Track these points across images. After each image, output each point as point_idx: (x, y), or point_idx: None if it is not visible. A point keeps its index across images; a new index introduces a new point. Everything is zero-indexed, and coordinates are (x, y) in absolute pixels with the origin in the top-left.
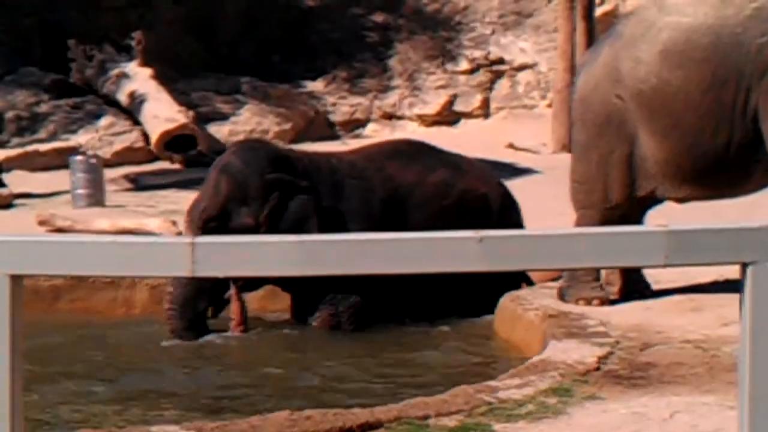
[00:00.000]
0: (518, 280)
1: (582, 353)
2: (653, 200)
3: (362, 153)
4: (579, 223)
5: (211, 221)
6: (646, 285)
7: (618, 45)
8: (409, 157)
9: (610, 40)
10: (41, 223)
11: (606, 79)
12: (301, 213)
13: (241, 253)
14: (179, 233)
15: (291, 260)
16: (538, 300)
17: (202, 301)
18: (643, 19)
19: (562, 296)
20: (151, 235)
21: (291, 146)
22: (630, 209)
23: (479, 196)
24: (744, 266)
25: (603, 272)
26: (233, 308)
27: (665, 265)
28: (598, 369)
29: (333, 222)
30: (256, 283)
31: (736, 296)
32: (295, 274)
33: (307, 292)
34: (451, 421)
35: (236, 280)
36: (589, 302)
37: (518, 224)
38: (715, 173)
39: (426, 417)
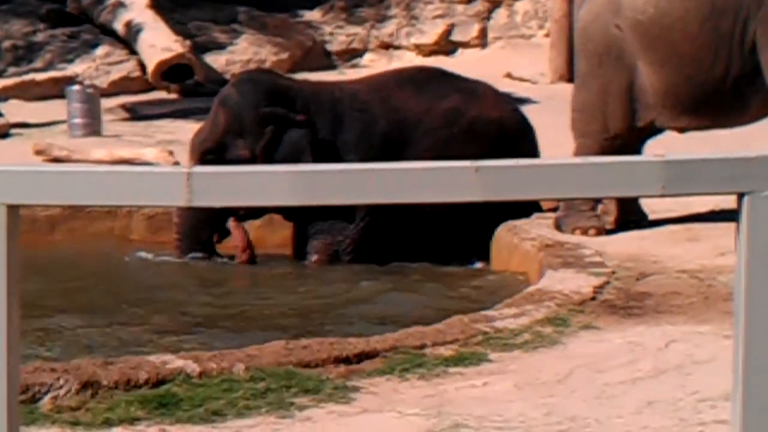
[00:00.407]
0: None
1: (578, 283)
2: (652, 130)
3: (370, 82)
4: (578, 152)
5: (209, 153)
6: (643, 215)
7: None
8: (420, 86)
9: None
10: (38, 152)
11: (606, 9)
12: (295, 146)
13: (238, 183)
14: (176, 163)
15: (287, 190)
16: (534, 230)
17: (205, 229)
18: None
19: (558, 226)
20: (148, 164)
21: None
22: (629, 139)
23: (492, 122)
24: (740, 196)
25: (600, 203)
26: (236, 236)
27: (662, 195)
28: (594, 299)
29: (329, 155)
30: (258, 213)
31: (732, 226)
32: (291, 204)
33: (309, 222)
34: (447, 351)
35: (237, 209)
36: (585, 232)
37: (533, 151)
38: (713, 103)
39: (422, 346)
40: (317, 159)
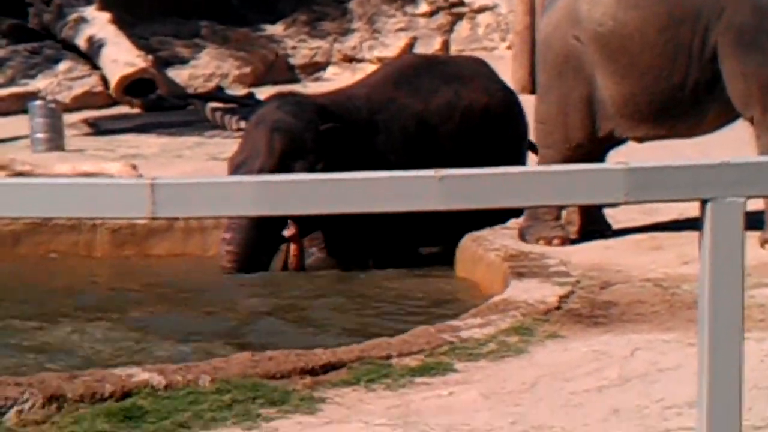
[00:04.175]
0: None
1: (543, 292)
2: (613, 140)
3: (370, 85)
4: (541, 163)
5: None
6: (607, 225)
7: None
8: (411, 82)
9: None
10: (0, 167)
11: (565, 20)
12: (352, 158)
13: (202, 194)
14: (140, 176)
15: (252, 200)
16: (498, 240)
17: (259, 243)
18: None
19: (522, 236)
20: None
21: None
22: (591, 149)
23: (482, 110)
24: (703, 203)
25: (564, 212)
26: (292, 248)
27: (625, 202)
28: (559, 308)
29: (377, 160)
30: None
31: (695, 235)
32: (255, 214)
33: (339, 231)
34: (413, 361)
35: (296, 220)
36: (549, 242)
37: (521, 134)
38: (672, 112)
39: (388, 357)
40: (364, 162)
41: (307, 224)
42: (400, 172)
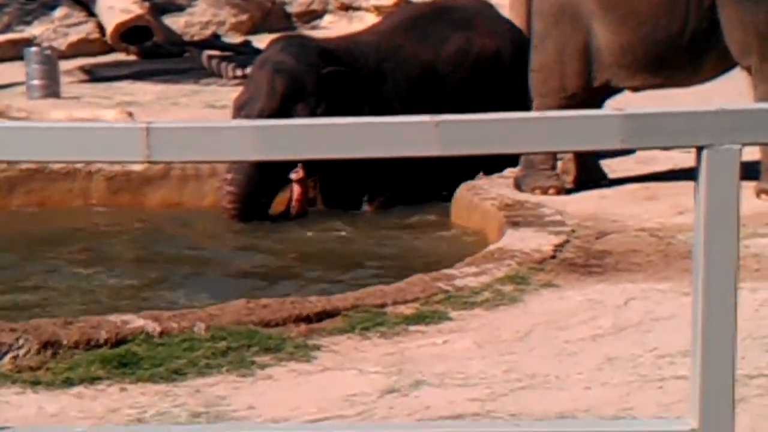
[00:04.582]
0: None
1: (538, 242)
2: (609, 90)
3: (380, 33)
4: (537, 111)
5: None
6: (602, 174)
7: None
8: (422, 30)
9: None
10: None
11: None
12: (354, 103)
13: (197, 139)
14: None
15: (248, 145)
16: (494, 189)
17: (260, 185)
18: None
19: (518, 185)
20: None
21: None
22: (587, 99)
23: (493, 55)
24: (699, 150)
25: (559, 162)
26: (295, 191)
27: (622, 149)
28: (554, 257)
29: (378, 104)
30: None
31: (690, 185)
32: (251, 159)
33: (338, 177)
34: (407, 309)
35: (304, 164)
36: (545, 191)
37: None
38: (669, 61)
39: (383, 305)
40: (371, 110)
41: (313, 168)
42: (396, 118)
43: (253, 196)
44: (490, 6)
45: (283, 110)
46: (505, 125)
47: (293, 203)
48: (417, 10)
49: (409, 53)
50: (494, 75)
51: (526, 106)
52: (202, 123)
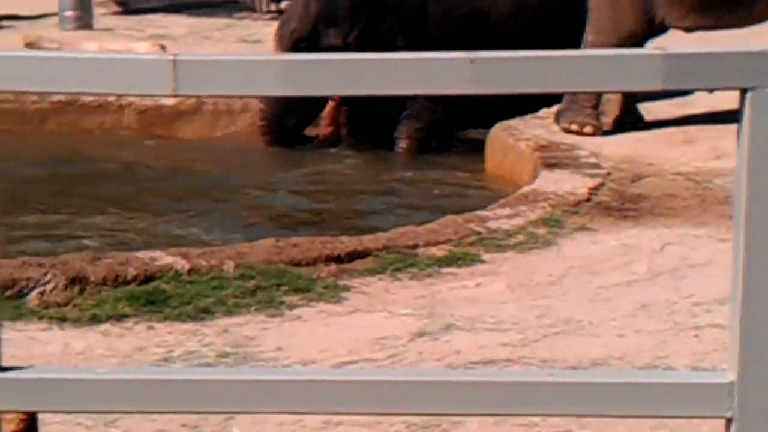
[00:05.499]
0: None
1: (573, 184)
2: (661, 30)
3: None
4: (590, 47)
5: (301, 41)
6: (639, 116)
7: None
8: None
9: None
10: (28, 45)
11: None
12: (388, 33)
13: (225, 72)
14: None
15: (277, 79)
16: (529, 130)
17: (292, 116)
18: None
19: (557, 119)
20: None
21: None
22: (640, 37)
23: (554, 7)
24: (743, 92)
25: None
26: (326, 112)
27: (663, 90)
28: (588, 200)
29: (418, 43)
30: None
31: (728, 128)
32: (279, 94)
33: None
34: (439, 251)
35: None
36: (582, 127)
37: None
38: (722, 2)
39: (415, 246)
40: (408, 47)
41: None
42: (430, 53)
43: (284, 116)
44: None
45: (314, 33)
46: (543, 64)
47: (323, 133)
48: None
49: None
50: (551, 28)
51: None
52: (229, 56)
